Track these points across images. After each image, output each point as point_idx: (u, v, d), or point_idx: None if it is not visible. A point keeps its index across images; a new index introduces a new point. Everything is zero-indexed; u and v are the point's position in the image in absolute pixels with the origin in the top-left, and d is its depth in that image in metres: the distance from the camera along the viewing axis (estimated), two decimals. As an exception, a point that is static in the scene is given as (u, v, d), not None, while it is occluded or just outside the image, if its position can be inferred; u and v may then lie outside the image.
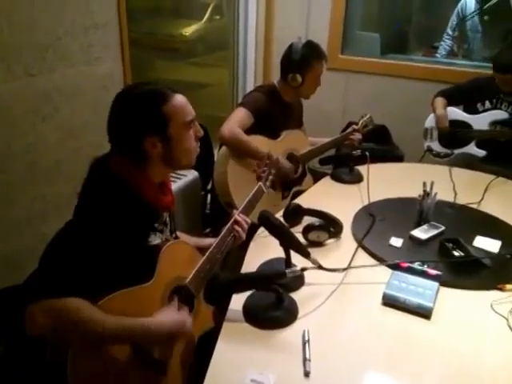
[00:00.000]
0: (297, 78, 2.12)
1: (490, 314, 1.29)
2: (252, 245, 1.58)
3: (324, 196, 1.95)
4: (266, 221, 1.34)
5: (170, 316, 1.15)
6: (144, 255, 1.19)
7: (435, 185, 1.74)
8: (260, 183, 1.60)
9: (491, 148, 2.60)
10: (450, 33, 3.52)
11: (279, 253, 1.38)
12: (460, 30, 3.48)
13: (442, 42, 3.57)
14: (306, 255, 1.35)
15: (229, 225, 1.41)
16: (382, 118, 2.92)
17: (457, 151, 2.71)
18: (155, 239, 1.26)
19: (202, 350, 1.24)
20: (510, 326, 1.24)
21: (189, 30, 4.21)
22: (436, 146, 2.78)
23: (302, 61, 2.12)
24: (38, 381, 1.17)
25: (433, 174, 1.93)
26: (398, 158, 2.93)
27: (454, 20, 3.48)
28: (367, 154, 1.97)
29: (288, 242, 1.35)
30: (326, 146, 2.28)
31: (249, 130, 2.05)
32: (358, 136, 2.29)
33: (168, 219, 1.36)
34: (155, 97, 1.19)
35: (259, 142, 2.04)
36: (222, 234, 1.39)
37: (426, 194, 1.67)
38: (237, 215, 1.45)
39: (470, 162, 2.56)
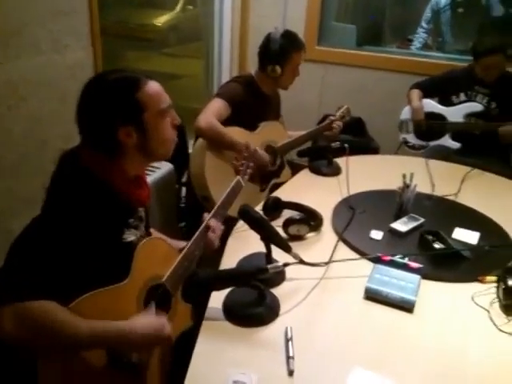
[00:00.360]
0: (276, 70, 2.08)
1: (471, 307, 1.29)
2: (230, 240, 1.53)
3: (303, 189, 1.92)
4: (247, 215, 1.30)
5: (147, 320, 1.09)
6: (118, 253, 1.14)
7: (418, 175, 1.74)
8: (238, 177, 1.55)
9: (466, 140, 2.63)
10: (425, 25, 3.53)
11: (259, 247, 1.35)
12: (434, 23, 3.50)
13: (417, 35, 3.59)
14: (288, 250, 1.32)
15: (201, 229, 1.33)
16: (357, 110, 2.90)
17: (432, 143, 2.72)
18: (130, 236, 1.20)
19: (181, 349, 1.19)
20: (491, 318, 1.24)
21: (161, 20, 4.12)
22: (411, 138, 2.80)
23: (281, 51, 2.07)
24: (10, 380, 1.11)
25: (410, 166, 1.93)
26: (373, 150, 2.92)
27: (428, 13, 3.49)
28: (346, 146, 1.95)
29: (269, 237, 1.31)
30: (303, 138, 2.25)
31: (226, 122, 2.00)
32: (339, 124, 2.27)
33: (144, 214, 1.31)
34: (129, 83, 1.13)
35: (236, 134, 1.99)
36: (196, 236, 1.32)
37: (406, 186, 1.66)
38: (208, 220, 1.36)
39: (445, 155, 2.58)
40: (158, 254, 1.25)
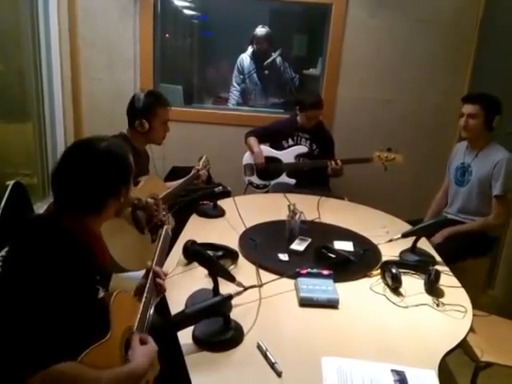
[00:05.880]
0: (144, 124, 2.24)
1: (372, 295, 1.67)
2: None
3: (201, 231, 2.08)
4: (201, 256, 1.45)
5: (143, 353, 1.15)
6: (96, 310, 1.18)
7: (283, 208, 2.09)
8: (165, 227, 1.65)
9: (299, 176, 3.16)
10: (236, 86, 4.08)
11: (191, 288, 1.57)
12: (244, 83, 4.07)
13: (231, 93, 4.11)
14: (233, 280, 1.50)
15: (150, 279, 1.37)
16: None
17: (273, 182, 3.19)
18: (100, 292, 1.26)
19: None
20: (389, 299, 1.64)
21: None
22: (255, 180, 3.22)
23: (146, 108, 2.26)
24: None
25: (275, 200, 2.30)
26: (227, 193, 3.23)
27: (236, 75, 4.05)
28: (230, 189, 2.22)
29: (217, 270, 1.47)
30: (180, 187, 2.44)
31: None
32: (205, 173, 2.52)
33: None
34: (125, 149, 1.28)
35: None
36: (149, 284, 1.38)
37: (295, 214, 2.00)
38: (155, 267, 1.44)
39: (286, 190, 3.05)
40: (126, 305, 1.30)
